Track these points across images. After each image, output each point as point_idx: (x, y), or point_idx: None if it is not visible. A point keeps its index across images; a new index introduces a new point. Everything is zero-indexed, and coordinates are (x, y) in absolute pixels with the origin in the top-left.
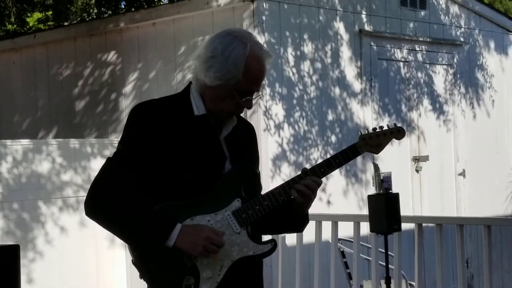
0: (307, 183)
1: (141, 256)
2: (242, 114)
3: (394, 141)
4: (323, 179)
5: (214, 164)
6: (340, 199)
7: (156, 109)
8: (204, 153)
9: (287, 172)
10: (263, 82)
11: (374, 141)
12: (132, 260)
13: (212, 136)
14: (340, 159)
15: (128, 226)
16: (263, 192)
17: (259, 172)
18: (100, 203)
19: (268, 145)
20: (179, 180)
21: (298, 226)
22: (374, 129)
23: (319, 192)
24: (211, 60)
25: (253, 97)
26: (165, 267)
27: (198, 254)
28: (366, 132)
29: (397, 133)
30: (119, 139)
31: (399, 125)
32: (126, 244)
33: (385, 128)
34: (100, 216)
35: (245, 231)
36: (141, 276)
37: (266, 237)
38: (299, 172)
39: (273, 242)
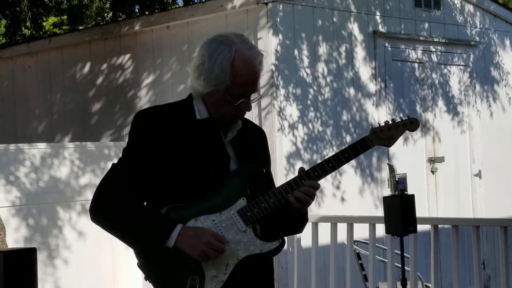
0: (305, 191)
1: (145, 258)
2: (256, 115)
3: (410, 141)
4: (338, 177)
5: (218, 165)
6: (356, 198)
7: (158, 114)
8: (208, 155)
9: None
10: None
11: (386, 134)
12: (137, 263)
13: (215, 139)
14: (349, 153)
15: (130, 229)
16: None
17: (271, 174)
18: (103, 209)
19: (283, 145)
20: (183, 183)
21: (298, 226)
22: (386, 122)
23: (333, 190)
24: (200, 68)
25: (251, 98)
26: (169, 268)
27: (197, 258)
28: (378, 125)
29: (410, 124)
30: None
31: (412, 117)
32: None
33: (398, 120)
34: (104, 221)
35: (250, 229)
36: (146, 278)
37: None
38: None
39: (280, 240)
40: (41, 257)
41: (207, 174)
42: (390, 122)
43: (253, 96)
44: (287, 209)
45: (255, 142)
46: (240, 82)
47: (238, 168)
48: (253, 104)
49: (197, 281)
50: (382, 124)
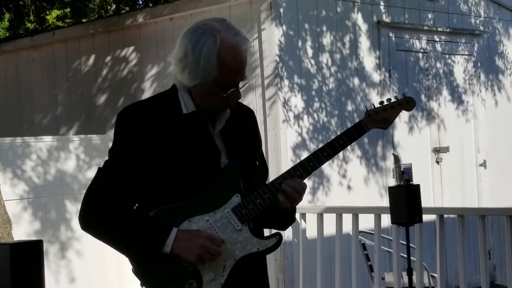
0: (293, 185)
1: (141, 264)
2: (260, 107)
3: (415, 131)
4: (344, 166)
5: (209, 161)
6: (361, 187)
7: (142, 111)
8: (197, 151)
9: None
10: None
11: (382, 116)
12: (132, 269)
13: (203, 133)
14: (344, 140)
15: (124, 238)
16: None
17: (263, 154)
18: (94, 217)
19: (287, 136)
20: (174, 181)
21: (284, 224)
22: (381, 102)
23: (340, 179)
24: (184, 60)
25: (240, 86)
26: (165, 273)
27: (193, 262)
28: (373, 107)
29: (406, 104)
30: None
31: (408, 95)
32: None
33: (393, 100)
34: (95, 230)
35: (246, 227)
36: (142, 284)
37: (272, 231)
38: None
39: (277, 236)
40: (52, 249)
41: (197, 172)
42: (386, 103)
43: (242, 84)
44: (276, 205)
45: (245, 128)
46: (227, 72)
47: (229, 163)
48: (257, 95)
49: (194, 285)
50: (377, 105)
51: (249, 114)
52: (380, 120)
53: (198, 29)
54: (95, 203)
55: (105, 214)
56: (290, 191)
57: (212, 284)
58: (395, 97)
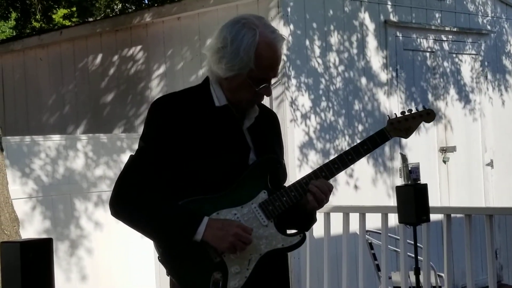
0: (319, 184)
1: (168, 253)
2: (267, 104)
3: (422, 130)
4: (351, 166)
5: (238, 156)
6: (369, 187)
7: (175, 102)
8: (227, 145)
9: (314, 160)
10: (280, 67)
11: (403, 125)
12: (158, 257)
13: (235, 127)
14: (368, 146)
15: (155, 224)
16: (287, 183)
17: (284, 161)
18: (125, 203)
19: (295, 135)
20: (203, 173)
21: (307, 224)
22: (403, 112)
23: (346, 178)
24: (221, 51)
25: (272, 83)
26: (192, 263)
27: (225, 250)
28: (395, 116)
29: (426, 116)
30: (140, 135)
31: (428, 107)
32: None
33: (414, 111)
34: (126, 216)
35: (272, 224)
36: (168, 273)
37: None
38: (327, 160)
39: (302, 234)
40: (62, 247)
41: (226, 165)
42: (407, 113)
43: (273, 81)
44: (300, 205)
45: (271, 129)
46: (263, 66)
47: (258, 160)
48: None
49: (220, 277)
50: (399, 115)
51: (274, 119)
52: (402, 129)
53: (238, 22)
54: (126, 190)
55: (137, 200)
56: (317, 191)
57: (238, 277)
58: (416, 108)
